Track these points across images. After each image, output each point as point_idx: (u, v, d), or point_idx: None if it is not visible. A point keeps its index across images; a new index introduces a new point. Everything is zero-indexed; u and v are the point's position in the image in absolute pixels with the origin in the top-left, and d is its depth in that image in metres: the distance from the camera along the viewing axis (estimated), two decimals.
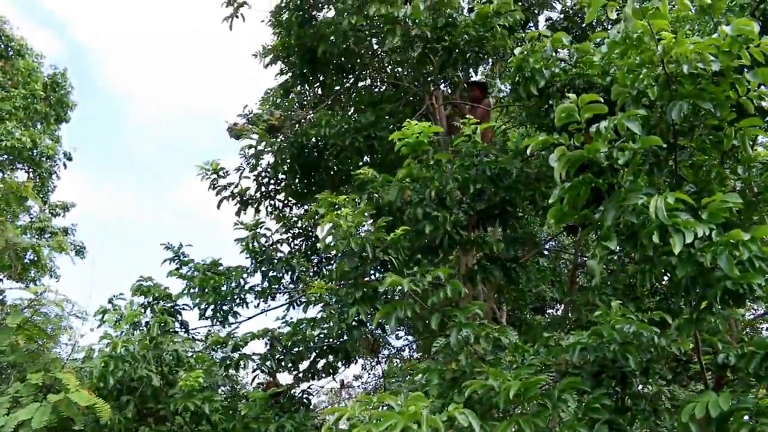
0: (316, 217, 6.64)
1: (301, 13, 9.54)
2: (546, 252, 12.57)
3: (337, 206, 6.43)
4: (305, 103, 10.76)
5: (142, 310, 8.19)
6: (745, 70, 4.50)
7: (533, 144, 4.70)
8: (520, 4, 8.55)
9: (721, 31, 4.42)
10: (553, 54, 6.24)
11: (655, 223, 4.02)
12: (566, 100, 4.56)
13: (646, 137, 4.32)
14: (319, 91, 10.63)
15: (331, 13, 9.33)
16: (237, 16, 9.72)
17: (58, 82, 19.63)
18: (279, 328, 8.24)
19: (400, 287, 5.64)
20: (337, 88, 10.53)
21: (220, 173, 9.42)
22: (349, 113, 10.40)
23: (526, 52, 6.15)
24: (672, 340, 5.22)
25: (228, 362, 7.87)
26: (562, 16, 9.57)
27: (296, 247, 10.57)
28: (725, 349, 5.39)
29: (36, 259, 17.25)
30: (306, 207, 10.19)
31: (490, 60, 8.70)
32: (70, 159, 20.13)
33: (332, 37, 8.87)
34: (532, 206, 7.80)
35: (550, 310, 13.73)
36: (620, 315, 5.20)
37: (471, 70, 8.61)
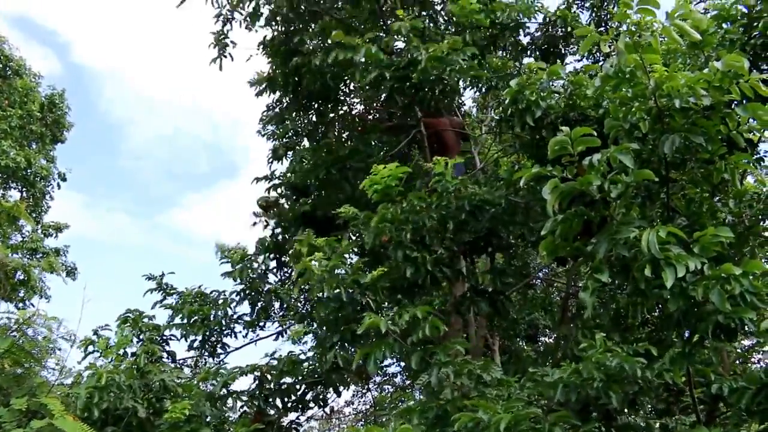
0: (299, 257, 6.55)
1: (285, 46, 9.60)
2: (538, 280, 12.54)
3: (316, 248, 6.32)
4: (299, 130, 10.77)
5: (131, 339, 8.10)
6: (734, 104, 4.55)
7: (526, 176, 4.71)
8: (490, 30, 8.57)
9: (712, 67, 4.47)
10: (549, 86, 6.25)
11: (647, 257, 4.03)
12: (559, 133, 4.59)
13: (638, 171, 4.34)
14: (314, 119, 10.64)
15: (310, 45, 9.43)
16: (225, 56, 9.78)
17: (55, 103, 19.65)
18: (267, 364, 8.14)
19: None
20: (332, 115, 10.55)
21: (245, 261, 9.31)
22: (342, 140, 10.44)
23: (521, 85, 6.15)
24: (664, 370, 5.19)
25: (215, 398, 7.74)
26: (539, 33, 9.54)
27: (286, 275, 10.44)
28: (717, 381, 5.37)
29: (26, 279, 17.08)
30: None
31: (455, 95, 8.63)
32: (64, 179, 20.10)
33: (314, 71, 8.87)
34: (521, 238, 7.72)
35: (543, 338, 13.66)
36: (604, 349, 5.13)
37: (444, 102, 8.53)
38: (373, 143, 9.50)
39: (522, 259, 9.31)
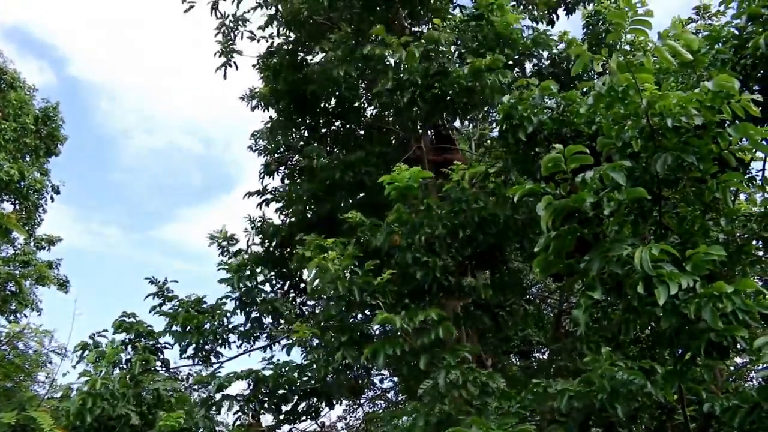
0: (304, 260, 6.62)
1: (290, 57, 9.71)
2: (532, 296, 12.55)
3: (325, 249, 6.42)
4: (291, 144, 10.81)
5: (124, 347, 8.08)
6: (726, 124, 4.59)
7: (520, 192, 4.74)
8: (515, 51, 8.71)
9: (704, 87, 4.52)
10: (542, 102, 6.32)
11: (640, 274, 4.04)
12: (553, 149, 4.62)
13: (631, 189, 4.37)
14: (305, 134, 10.72)
15: (321, 56, 9.52)
16: (230, 65, 9.99)
17: (49, 116, 19.59)
18: (263, 369, 8.12)
19: (389, 327, 5.67)
20: (324, 130, 10.64)
21: (230, 241, 9.62)
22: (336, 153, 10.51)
23: (514, 100, 6.23)
24: (659, 388, 5.20)
25: (210, 403, 7.72)
26: (548, 62, 9.68)
27: (279, 285, 10.43)
28: (710, 399, 5.37)
29: (17, 291, 17.02)
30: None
31: (477, 109, 8.81)
32: (57, 192, 19.99)
33: (323, 81, 9.00)
34: (519, 252, 7.80)
35: (536, 354, 13.64)
36: (610, 363, 5.19)
37: (458, 117, 8.71)
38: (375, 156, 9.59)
39: (516, 275, 9.32)
